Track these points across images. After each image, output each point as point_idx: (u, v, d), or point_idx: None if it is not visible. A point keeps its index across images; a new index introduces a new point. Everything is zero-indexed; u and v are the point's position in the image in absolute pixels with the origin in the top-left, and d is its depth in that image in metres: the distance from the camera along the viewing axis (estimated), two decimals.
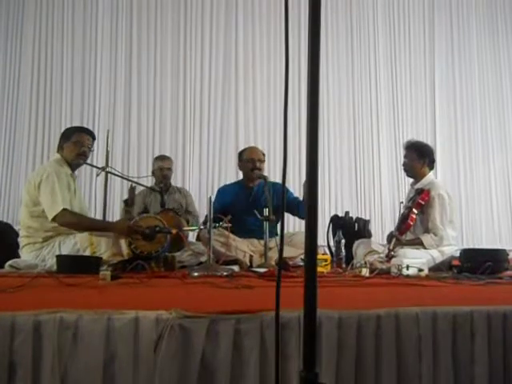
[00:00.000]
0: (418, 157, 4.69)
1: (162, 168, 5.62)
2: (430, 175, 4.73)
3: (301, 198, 4.87)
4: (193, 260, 4.50)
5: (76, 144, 4.13)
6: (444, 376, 1.81)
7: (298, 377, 1.20)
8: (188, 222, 5.17)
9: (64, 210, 3.87)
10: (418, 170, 4.70)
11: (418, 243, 4.43)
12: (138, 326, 1.63)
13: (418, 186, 4.64)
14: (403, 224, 4.44)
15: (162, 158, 5.79)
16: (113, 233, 3.95)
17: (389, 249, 4.29)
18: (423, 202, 4.46)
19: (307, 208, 1.28)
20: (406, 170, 4.81)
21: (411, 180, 4.87)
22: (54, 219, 3.86)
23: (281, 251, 1.34)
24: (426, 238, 4.45)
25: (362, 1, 7.86)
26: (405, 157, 4.78)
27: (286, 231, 5.46)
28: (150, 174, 5.89)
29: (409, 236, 4.52)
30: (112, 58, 7.21)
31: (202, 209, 5.83)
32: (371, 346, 1.75)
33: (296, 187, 6.06)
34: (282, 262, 4.32)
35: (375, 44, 7.84)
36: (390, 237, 4.47)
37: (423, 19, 8.04)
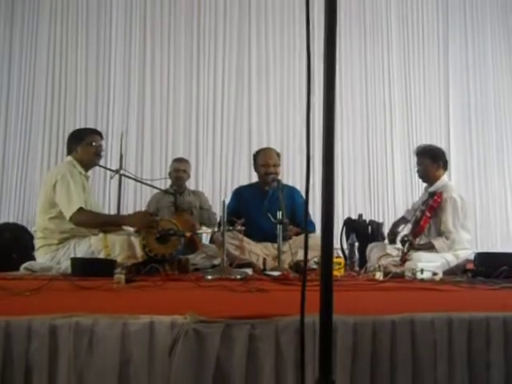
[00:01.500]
0: (432, 161, 4.66)
1: (177, 169, 5.64)
2: (444, 178, 4.71)
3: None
4: (206, 263, 4.51)
5: (91, 145, 4.20)
6: (459, 382, 1.80)
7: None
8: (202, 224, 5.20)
9: (81, 208, 3.91)
10: (434, 175, 4.67)
11: (429, 247, 4.41)
12: (153, 330, 1.63)
13: (432, 188, 4.62)
14: (416, 227, 4.42)
15: (178, 160, 5.82)
16: (127, 233, 3.98)
17: (403, 252, 4.28)
18: (436, 205, 4.44)
19: (323, 215, 1.28)
20: (421, 176, 4.78)
21: (425, 183, 4.85)
22: (70, 218, 3.90)
23: (305, 261, 1.34)
24: (438, 242, 4.42)
25: (376, 2, 7.84)
26: (418, 164, 4.74)
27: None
28: (163, 176, 5.92)
29: (423, 239, 4.49)
30: (126, 61, 7.24)
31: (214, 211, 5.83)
32: (386, 352, 1.74)
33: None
34: (296, 266, 4.35)
35: (388, 48, 7.81)
36: (404, 241, 4.44)
37: (437, 21, 8.00)
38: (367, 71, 7.74)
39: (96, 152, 4.24)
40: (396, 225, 4.93)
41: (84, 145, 4.19)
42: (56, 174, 4.03)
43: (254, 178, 5.39)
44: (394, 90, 7.78)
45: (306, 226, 1.36)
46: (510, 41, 8.14)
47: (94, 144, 4.21)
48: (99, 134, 4.37)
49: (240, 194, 5.15)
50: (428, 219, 4.43)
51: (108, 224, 4.07)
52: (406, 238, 4.41)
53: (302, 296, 1.25)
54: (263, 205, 4.75)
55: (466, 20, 8.07)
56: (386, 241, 5.22)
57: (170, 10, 7.39)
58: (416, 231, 4.46)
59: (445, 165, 4.72)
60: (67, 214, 3.91)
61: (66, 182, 3.94)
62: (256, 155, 5.08)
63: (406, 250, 4.27)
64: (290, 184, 5.54)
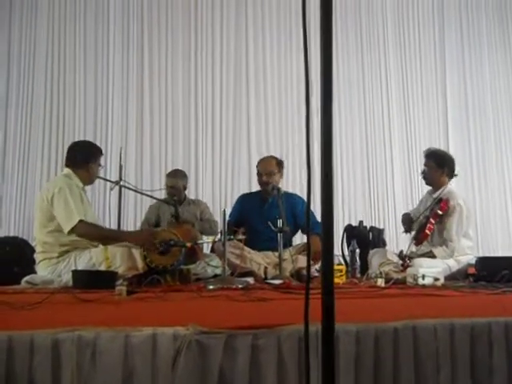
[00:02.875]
0: (437, 166, 4.67)
1: (166, 186, 5.55)
2: (449, 185, 4.70)
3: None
4: (207, 272, 4.51)
5: (100, 166, 4.28)
6: None
7: None
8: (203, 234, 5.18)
9: (81, 221, 3.89)
10: (436, 179, 4.67)
11: (430, 257, 4.40)
12: (155, 342, 1.63)
13: (437, 194, 4.61)
14: (421, 234, 4.42)
15: (168, 175, 5.67)
16: (128, 245, 3.98)
17: (403, 264, 4.28)
18: (441, 212, 4.43)
19: (323, 222, 1.28)
20: (424, 177, 4.79)
21: (425, 189, 4.86)
22: (71, 231, 3.88)
23: (308, 268, 1.34)
24: (438, 251, 4.42)
25: (372, 10, 7.86)
26: (424, 165, 4.77)
27: (300, 241, 5.46)
28: (163, 187, 5.90)
29: (425, 246, 4.49)
30: (124, 71, 7.25)
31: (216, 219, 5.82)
32: (389, 359, 1.74)
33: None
34: (297, 273, 4.36)
35: (386, 55, 7.82)
36: (402, 256, 4.45)
37: (433, 23, 8.00)
38: (365, 78, 7.74)
39: (99, 173, 4.37)
40: (408, 214, 4.91)
41: (96, 165, 4.27)
42: (53, 187, 4.00)
43: (254, 187, 5.41)
44: (392, 97, 7.78)
45: (309, 231, 1.35)
46: (506, 44, 8.16)
47: (100, 165, 4.34)
48: (103, 154, 4.49)
49: (243, 201, 5.21)
50: (433, 226, 4.42)
51: (110, 238, 4.07)
52: (403, 254, 4.43)
53: (306, 304, 1.25)
54: (263, 213, 4.78)
55: (461, 21, 8.07)
56: (388, 247, 5.24)
57: (166, 20, 7.41)
58: (420, 238, 4.45)
59: (450, 172, 4.72)
60: (66, 228, 3.88)
61: (63, 195, 3.92)
62: (257, 164, 5.16)
63: (405, 265, 4.27)
64: (290, 190, 5.56)
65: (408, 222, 4.78)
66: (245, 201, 5.19)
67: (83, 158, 4.20)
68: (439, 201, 4.48)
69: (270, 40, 7.60)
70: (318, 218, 1.30)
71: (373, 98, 7.74)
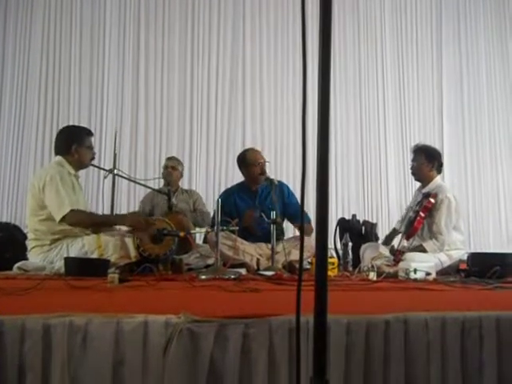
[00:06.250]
0: (427, 160, 4.69)
1: (166, 166, 5.69)
2: (438, 179, 4.73)
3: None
4: (200, 262, 4.51)
5: (90, 148, 4.19)
6: (453, 381, 1.80)
7: (308, 383, 1.20)
8: (195, 225, 5.17)
9: (72, 210, 3.88)
10: (426, 174, 4.69)
11: (420, 250, 4.42)
12: (147, 329, 1.63)
13: (426, 189, 4.63)
14: (410, 229, 4.43)
15: (168, 158, 5.87)
16: (120, 233, 3.97)
17: (394, 259, 4.29)
18: (430, 206, 4.45)
19: (317, 215, 1.28)
20: (413, 173, 4.82)
21: (418, 184, 4.87)
22: (62, 220, 3.87)
23: (301, 259, 1.35)
24: (429, 245, 4.44)
25: (370, 5, 7.85)
26: (412, 160, 4.79)
27: (293, 234, 5.46)
28: (156, 175, 5.95)
29: (416, 240, 4.51)
30: (119, 60, 7.23)
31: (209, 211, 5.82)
32: (380, 352, 1.74)
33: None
34: (290, 265, 4.36)
35: (382, 48, 7.83)
36: (393, 251, 4.46)
37: (431, 18, 8.03)
38: (361, 73, 7.76)
39: (92, 156, 4.26)
40: (389, 238, 4.95)
41: (83, 148, 4.16)
42: (44, 176, 3.96)
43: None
44: (388, 90, 7.80)
45: (303, 224, 1.36)
46: (502, 39, 8.18)
47: (91, 147, 4.23)
48: (92, 134, 4.38)
49: (228, 197, 5.00)
50: (422, 220, 4.44)
51: (101, 224, 4.07)
52: (394, 249, 4.44)
53: (298, 295, 1.25)
54: (255, 205, 4.76)
55: (459, 18, 8.09)
56: (380, 241, 5.25)
57: (163, 12, 7.38)
58: (410, 232, 4.46)
59: (439, 166, 4.74)
60: (57, 217, 3.86)
61: (54, 185, 3.89)
62: (244, 156, 4.99)
63: (397, 259, 4.28)
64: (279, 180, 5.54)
65: (388, 240, 4.86)
66: (231, 196, 5.01)
67: (66, 143, 4.15)
68: (428, 195, 4.50)
69: (266, 32, 7.60)
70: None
71: (368, 93, 7.75)
